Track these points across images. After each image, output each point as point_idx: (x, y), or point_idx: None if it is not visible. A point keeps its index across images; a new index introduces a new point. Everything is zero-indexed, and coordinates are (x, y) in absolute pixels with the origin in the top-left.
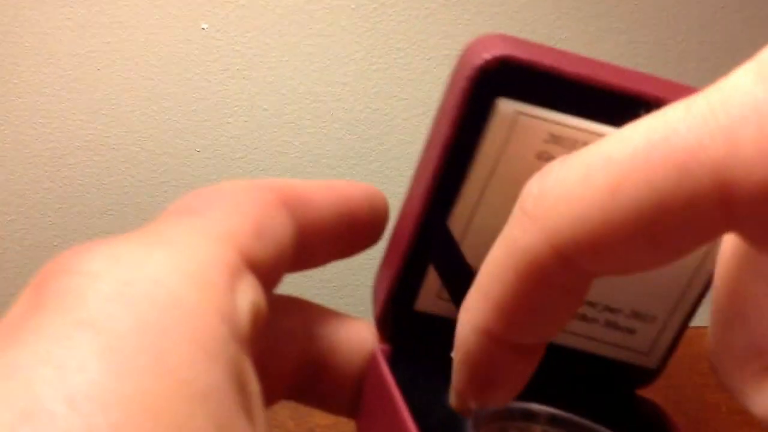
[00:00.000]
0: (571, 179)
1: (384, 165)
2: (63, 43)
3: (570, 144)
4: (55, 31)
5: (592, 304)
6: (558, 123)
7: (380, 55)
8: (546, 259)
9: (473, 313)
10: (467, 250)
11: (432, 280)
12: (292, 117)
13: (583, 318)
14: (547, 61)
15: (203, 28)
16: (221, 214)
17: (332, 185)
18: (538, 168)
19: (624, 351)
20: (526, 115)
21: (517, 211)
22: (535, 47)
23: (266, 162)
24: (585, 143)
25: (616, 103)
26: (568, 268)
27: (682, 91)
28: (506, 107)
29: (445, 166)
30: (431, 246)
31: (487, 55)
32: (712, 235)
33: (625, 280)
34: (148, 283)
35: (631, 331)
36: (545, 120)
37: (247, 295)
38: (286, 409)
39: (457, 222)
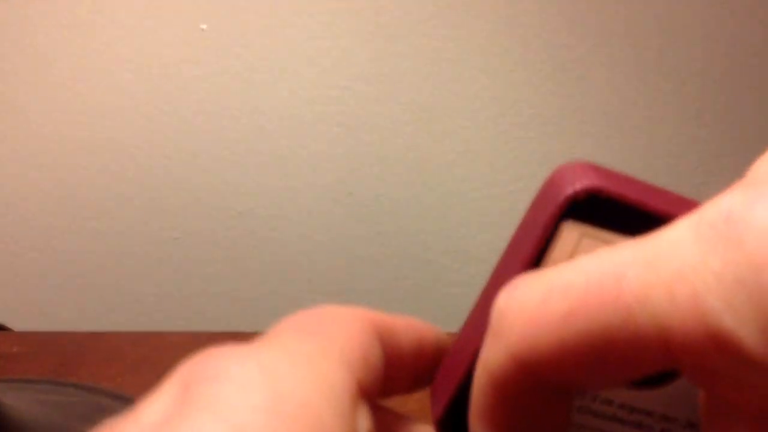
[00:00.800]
0: (532, 300)
1: (384, 170)
2: (61, 43)
3: None
4: (53, 32)
5: (649, 413)
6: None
7: (381, 59)
8: (511, 375)
9: (471, 426)
10: None
11: None
12: (292, 120)
13: (639, 426)
14: (633, 195)
15: (203, 29)
16: (339, 340)
17: (411, 323)
18: None
19: None
20: (591, 237)
21: (489, 327)
22: (620, 176)
23: (265, 165)
24: None
25: None
26: (532, 382)
27: None
28: (571, 229)
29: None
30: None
31: (578, 186)
32: (658, 368)
33: (680, 389)
34: (295, 402)
35: None
36: (609, 243)
37: (365, 421)
38: None
39: None
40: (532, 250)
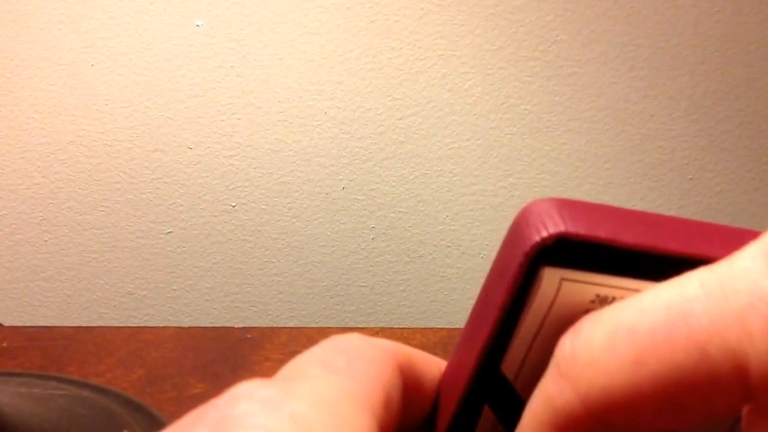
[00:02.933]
0: (598, 344)
1: (377, 164)
2: (57, 38)
3: (618, 302)
4: (49, 27)
5: None
6: (603, 284)
7: (374, 55)
8: (581, 418)
9: None
10: (520, 389)
11: (487, 417)
12: (285, 115)
13: None
14: (603, 233)
15: (198, 25)
16: (365, 382)
17: (431, 358)
18: None
19: None
20: (571, 280)
21: (552, 368)
22: (588, 212)
23: (258, 160)
24: None
25: (663, 265)
26: (602, 425)
27: (739, 242)
28: (551, 275)
29: (497, 326)
30: (486, 388)
31: (545, 233)
32: (734, 409)
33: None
34: None
35: None
36: (590, 283)
37: None
38: None
39: (509, 366)
40: (506, 299)
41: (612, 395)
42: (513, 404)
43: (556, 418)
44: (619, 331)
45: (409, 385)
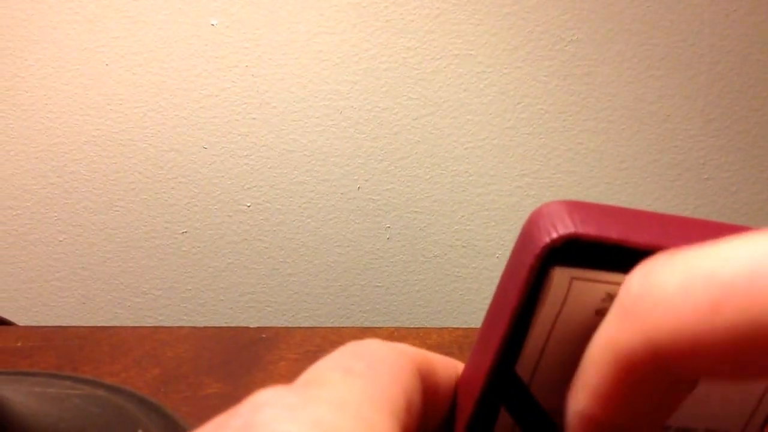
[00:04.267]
0: (672, 286)
1: (392, 164)
2: (71, 37)
3: None
4: (64, 26)
5: (665, 427)
6: (614, 283)
7: (390, 54)
8: (644, 360)
9: (577, 401)
10: (535, 390)
11: (504, 418)
12: (301, 115)
13: None
14: (613, 234)
15: (213, 25)
16: (386, 387)
17: (449, 361)
18: (596, 323)
19: None
20: (581, 279)
21: (617, 306)
22: (597, 213)
23: (273, 160)
24: None
25: None
26: (665, 370)
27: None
28: (561, 275)
29: (510, 327)
30: (502, 390)
31: (554, 235)
32: None
33: (699, 399)
34: None
35: None
36: (601, 282)
37: None
38: None
39: (524, 368)
40: (518, 301)
41: (681, 340)
42: (528, 406)
43: (618, 359)
44: (696, 276)
45: (428, 387)
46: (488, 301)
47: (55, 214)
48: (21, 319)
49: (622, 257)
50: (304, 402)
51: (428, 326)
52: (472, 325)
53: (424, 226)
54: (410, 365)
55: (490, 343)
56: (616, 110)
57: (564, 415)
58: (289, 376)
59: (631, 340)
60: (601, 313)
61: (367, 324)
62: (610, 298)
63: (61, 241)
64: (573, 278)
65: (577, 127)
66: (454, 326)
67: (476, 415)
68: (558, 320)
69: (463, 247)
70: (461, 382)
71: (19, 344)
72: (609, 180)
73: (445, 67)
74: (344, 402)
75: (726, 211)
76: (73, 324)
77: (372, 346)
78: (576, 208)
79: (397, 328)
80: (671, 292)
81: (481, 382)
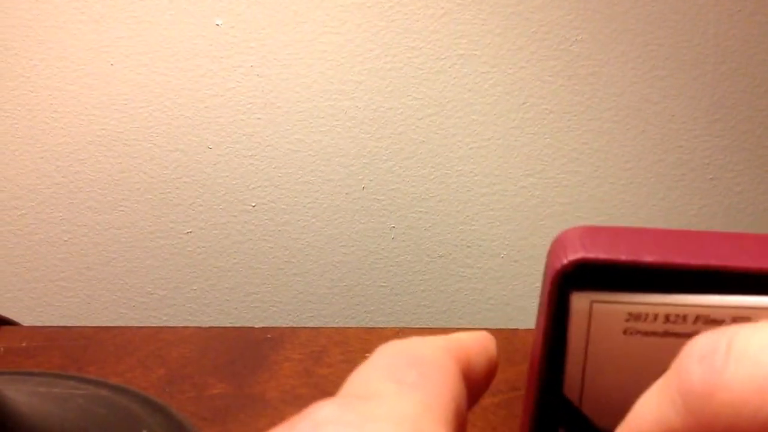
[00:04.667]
0: (745, 388)
1: (397, 164)
2: (76, 37)
3: (651, 318)
4: (69, 26)
5: None
6: (633, 302)
7: (395, 54)
8: None
9: None
10: (587, 410)
11: None
12: (305, 115)
13: None
14: (623, 256)
15: (217, 25)
16: (437, 396)
17: (482, 345)
18: (627, 343)
19: None
20: (601, 302)
21: (673, 392)
22: (608, 236)
23: (278, 160)
24: (666, 315)
25: (688, 278)
26: None
27: (761, 249)
28: (580, 300)
29: (545, 353)
30: (556, 413)
31: (565, 260)
32: None
33: None
34: None
35: None
36: (621, 302)
37: None
38: (294, 407)
39: (571, 390)
40: (546, 327)
41: None
42: (584, 426)
43: None
44: None
45: (469, 384)
46: (493, 301)
47: (60, 214)
48: (25, 319)
49: (637, 277)
50: (364, 420)
51: (433, 326)
52: (477, 326)
53: (429, 226)
54: (455, 367)
55: (533, 368)
56: (621, 110)
57: None
58: (294, 376)
59: None
60: (628, 333)
61: (371, 324)
62: (633, 317)
63: (65, 240)
64: (593, 302)
65: (582, 127)
66: (459, 326)
67: None
68: (589, 342)
69: (468, 247)
70: (523, 407)
71: (23, 344)
72: (613, 180)
73: (449, 67)
74: (403, 417)
75: (731, 211)
76: (78, 324)
77: (418, 349)
78: (588, 232)
79: (402, 329)
80: (746, 394)
81: (531, 406)
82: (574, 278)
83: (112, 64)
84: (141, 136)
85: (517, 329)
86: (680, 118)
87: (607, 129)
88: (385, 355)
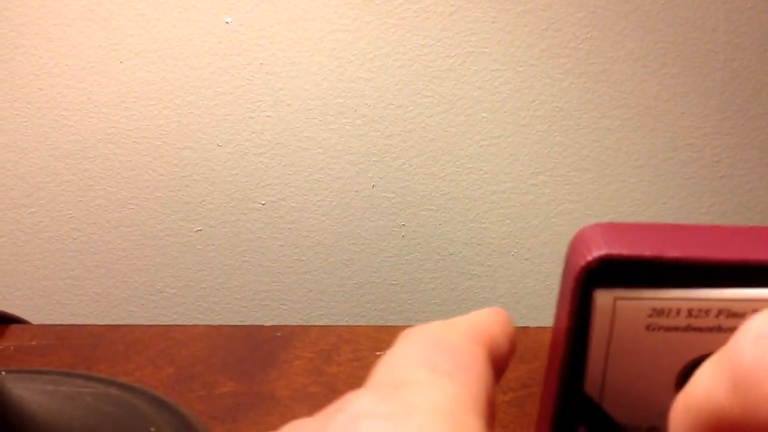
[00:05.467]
0: None
1: (407, 162)
2: (86, 35)
3: (674, 313)
4: (78, 24)
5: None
6: (657, 298)
7: (404, 52)
8: (732, 418)
9: None
10: (608, 407)
11: None
12: (315, 113)
13: None
14: (647, 252)
15: (227, 22)
16: (471, 386)
17: (505, 329)
18: (649, 338)
19: None
20: (624, 298)
21: (725, 370)
22: (632, 232)
23: (288, 158)
24: (689, 310)
25: (710, 273)
26: None
27: None
28: (604, 297)
29: (566, 351)
30: (576, 410)
31: (589, 257)
32: None
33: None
34: None
35: None
36: (644, 299)
37: None
38: (304, 405)
39: (592, 387)
40: (568, 325)
41: None
42: (605, 423)
43: (709, 416)
44: None
45: (496, 368)
46: (503, 299)
47: (70, 212)
48: (35, 317)
49: (659, 272)
50: (402, 411)
51: None
52: None
53: (439, 224)
54: (483, 353)
55: (553, 366)
56: (631, 108)
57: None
58: (303, 374)
59: (745, 417)
60: (651, 328)
61: (381, 322)
62: (656, 313)
63: (75, 239)
64: (616, 298)
65: (592, 124)
66: None
67: None
68: (612, 339)
69: (478, 245)
70: (541, 404)
71: (33, 342)
72: (623, 178)
73: (459, 65)
74: (439, 408)
75: (741, 209)
76: (88, 322)
77: (446, 336)
78: (609, 229)
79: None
80: None
81: (552, 403)
82: (597, 275)
83: (121, 62)
84: (150, 133)
85: (527, 327)
86: (690, 116)
87: (617, 127)
88: (414, 341)
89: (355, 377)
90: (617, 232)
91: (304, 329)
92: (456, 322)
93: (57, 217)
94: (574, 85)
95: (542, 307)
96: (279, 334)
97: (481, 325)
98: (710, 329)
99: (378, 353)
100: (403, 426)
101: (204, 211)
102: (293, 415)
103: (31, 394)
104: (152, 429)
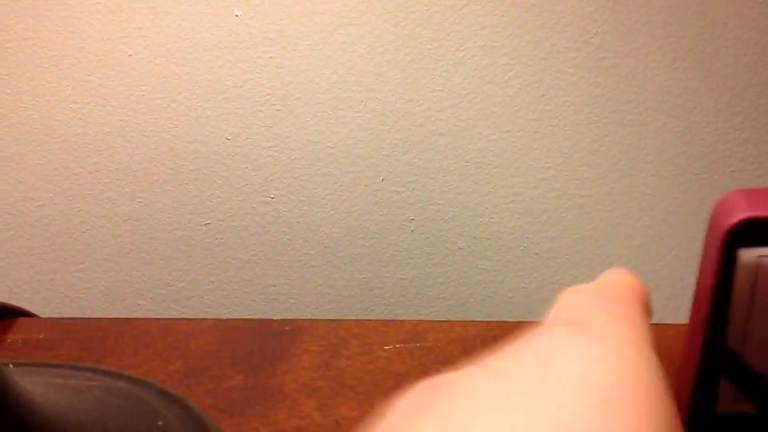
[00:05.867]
0: None
1: (416, 156)
2: (94, 28)
3: None
4: (87, 16)
5: None
6: None
7: (414, 46)
8: None
9: None
10: (748, 359)
11: (725, 389)
12: (325, 106)
13: None
14: None
15: (237, 15)
16: (641, 324)
17: (640, 282)
18: None
19: None
20: (766, 256)
21: None
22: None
23: (297, 151)
24: None
25: None
26: None
27: None
28: (748, 256)
29: (712, 305)
30: (718, 363)
31: (734, 219)
32: None
33: None
34: (644, 379)
35: None
36: None
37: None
38: (312, 399)
39: (734, 340)
40: (714, 282)
41: None
42: (747, 374)
43: None
44: None
45: None
46: (513, 294)
47: (78, 205)
48: (43, 310)
49: None
50: (594, 339)
51: (452, 319)
52: (496, 318)
53: (448, 219)
54: (641, 305)
55: (697, 323)
56: (642, 102)
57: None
58: (312, 368)
59: None
60: None
61: (390, 316)
62: None
63: (83, 232)
64: (760, 256)
65: (603, 119)
66: (478, 319)
67: (697, 388)
68: (755, 295)
69: (488, 239)
70: (683, 358)
71: (41, 336)
72: (634, 172)
73: (469, 59)
74: (622, 337)
75: None
76: (96, 316)
77: (611, 289)
78: (751, 194)
79: (420, 321)
80: None
81: (697, 358)
82: (741, 235)
83: (129, 55)
84: (159, 127)
85: (538, 322)
86: (701, 111)
87: (627, 121)
88: (581, 294)
89: (364, 371)
90: (759, 196)
91: (313, 323)
92: (608, 282)
93: (65, 210)
94: (584, 79)
95: (552, 302)
96: (287, 327)
97: (634, 283)
98: None
99: (386, 347)
100: (596, 346)
101: (212, 205)
102: (301, 410)
103: (38, 387)
104: (160, 422)
